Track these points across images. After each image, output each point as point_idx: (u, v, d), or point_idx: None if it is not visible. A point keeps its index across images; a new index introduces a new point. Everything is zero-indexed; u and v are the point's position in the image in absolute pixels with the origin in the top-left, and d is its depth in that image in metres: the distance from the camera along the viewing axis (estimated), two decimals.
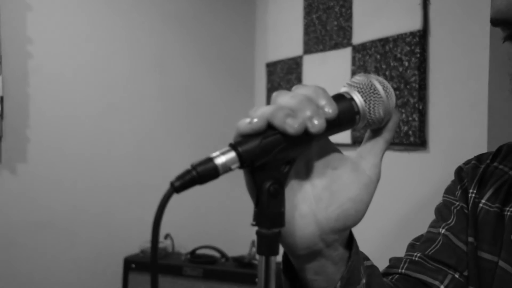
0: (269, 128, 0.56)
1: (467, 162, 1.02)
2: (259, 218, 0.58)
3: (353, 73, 2.37)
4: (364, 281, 0.69)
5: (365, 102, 0.62)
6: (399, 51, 2.11)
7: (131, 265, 2.68)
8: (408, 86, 2.06)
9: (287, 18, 2.94)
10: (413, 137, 2.03)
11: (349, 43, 2.42)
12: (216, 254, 2.78)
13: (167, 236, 2.87)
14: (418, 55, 2.02)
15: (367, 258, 0.76)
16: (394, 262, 0.96)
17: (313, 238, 0.63)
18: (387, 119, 0.65)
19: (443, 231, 0.95)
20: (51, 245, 2.65)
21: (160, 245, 2.80)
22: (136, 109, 2.90)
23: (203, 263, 2.66)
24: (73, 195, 2.70)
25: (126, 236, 2.83)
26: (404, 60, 2.08)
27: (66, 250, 2.68)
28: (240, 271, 2.59)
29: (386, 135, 0.66)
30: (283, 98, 0.58)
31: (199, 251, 2.77)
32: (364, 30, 2.33)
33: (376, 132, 0.66)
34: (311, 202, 0.64)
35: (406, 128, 2.06)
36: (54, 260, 2.65)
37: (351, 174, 0.64)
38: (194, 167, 0.54)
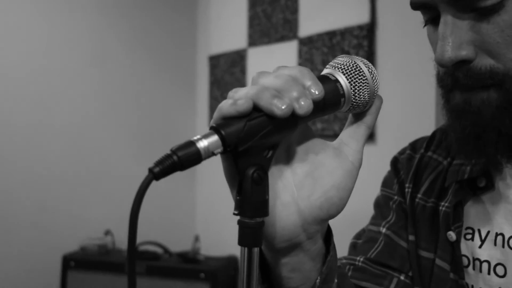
0: (253, 110, 0.53)
1: (402, 152, 0.98)
2: (241, 207, 0.54)
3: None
4: (336, 280, 0.67)
5: (350, 85, 0.59)
6: (346, 44, 2.11)
7: (70, 263, 2.57)
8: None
9: (230, 10, 2.91)
10: None
11: (295, 36, 2.41)
12: (159, 250, 2.72)
13: (107, 232, 2.78)
14: (366, 48, 2.03)
15: None
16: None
17: (294, 229, 0.60)
18: (371, 103, 0.62)
19: (384, 230, 0.92)
20: None
21: (100, 241, 2.72)
22: (73, 102, 2.79)
23: (146, 259, 2.59)
24: (7, 189, 2.57)
25: (64, 233, 2.72)
26: (351, 54, 2.08)
27: (0, 247, 2.55)
28: (184, 267, 2.54)
29: (369, 120, 0.63)
30: (266, 79, 0.55)
31: (141, 247, 2.70)
32: (311, 23, 2.33)
33: (358, 116, 0.64)
34: (293, 191, 0.60)
35: None
36: None
37: (334, 160, 0.61)
38: (174, 151, 0.49)
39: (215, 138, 0.51)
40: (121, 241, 2.82)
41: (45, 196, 2.68)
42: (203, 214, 3.15)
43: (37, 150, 2.67)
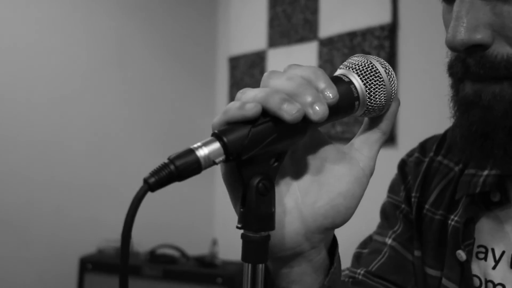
0: (261, 114, 0.49)
1: (410, 154, 0.90)
2: (245, 220, 0.50)
3: (320, 67, 2.32)
4: None
5: (365, 87, 0.55)
6: (367, 45, 2.06)
7: (88, 265, 2.55)
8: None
9: (250, 11, 2.87)
10: None
11: (315, 37, 2.37)
12: (176, 253, 2.69)
13: None
14: (387, 49, 1.97)
15: None
16: None
17: (297, 237, 0.56)
18: (388, 106, 0.57)
19: (389, 241, 0.85)
20: (1, 244, 2.51)
21: (118, 244, 2.69)
22: (93, 102, 2.78)
23: (163, 262, 2.56)
24: (25, 191, 2.57)
25: (82, 235, 2.71)
26: (372, 55, 2.03)
27: (18, 249, 2.55)
28: (201, 271, 2.50)
29: (384, 125, 0.59)
30: (278, 80, 0.51)
31: (159, 251, 2.67)
32: (331, 23, 2.28)
33: (374, 121, 0.59)
34: (297, 196, 0.56)
35: None
36: (5, 260, 2.51)
37: (343, 167, 0.57)
38: (172, 160, 0.45)
39: (216, 145, 0.47)
40: (139, 243, 2.80)
41: (63, 198, 2.67)
42: (221, 218, 3.11)
43: (55, 152, 2.66)
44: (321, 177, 0.56)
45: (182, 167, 0.45)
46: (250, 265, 0.50)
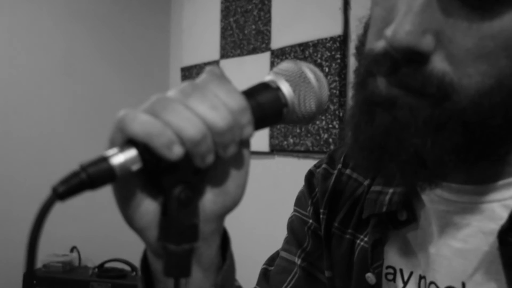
0: None
1: (318, 165, 0.83)
2: (166, 232, 0.47)
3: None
4: None
5: (294, 93, 0.52)
6: (319, 56, 2.05)
7: (32, 281, 2.47)
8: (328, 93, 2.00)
9: (203, 21, 2.84)
10: (334, 144, 1.98)
11: (267, 48, 2.35)
12: (126, 268, 2.63)
13: (73, 249, 2.68)
14: (338, 61, 1.97)
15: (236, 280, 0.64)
16: None
17: None
18: (320, 113, 0.55)
19: (299, 261, 0.79)
20: None
21: (66, 258, 2.62)
22: (40, 111, 2.71)
23: (112, 277, 2.50)
24: None
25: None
26: (324, 66, 2.02)
27: None
28: None
29: None
30: (201, 107, 0.45)
31: (108, 265, 2.60)
32: (283, 34, 2.27)
33: None
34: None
35: (326, 135, 2.01)
36: None
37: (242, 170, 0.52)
38: (84, 168, 0.42)
39: (133, 152, 0.43)
40: (87, 258, 2.73)
41: (4, 209, 2.58)
42: None
43: (1, 160, 2.58)
44: (226, 187, 0.52)
45: (94, 175, 0.42)
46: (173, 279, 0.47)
